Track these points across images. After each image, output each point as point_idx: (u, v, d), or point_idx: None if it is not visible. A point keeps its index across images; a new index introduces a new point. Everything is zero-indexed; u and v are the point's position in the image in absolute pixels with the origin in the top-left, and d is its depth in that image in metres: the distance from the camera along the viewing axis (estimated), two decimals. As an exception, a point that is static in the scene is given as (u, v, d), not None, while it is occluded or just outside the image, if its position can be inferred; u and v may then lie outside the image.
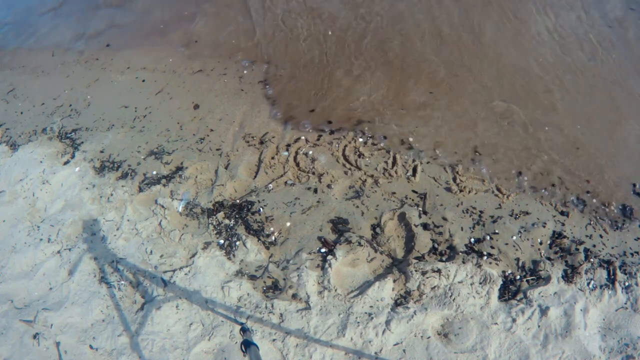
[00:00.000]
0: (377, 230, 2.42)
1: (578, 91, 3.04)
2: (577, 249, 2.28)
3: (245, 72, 3.56)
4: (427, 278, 2.16)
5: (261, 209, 2.57)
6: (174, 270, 2.34)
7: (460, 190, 2.57)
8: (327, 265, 2.25)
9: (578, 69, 3.17)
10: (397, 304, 2.12)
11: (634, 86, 3.04)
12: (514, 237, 2.34)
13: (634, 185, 2.53)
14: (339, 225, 2.45)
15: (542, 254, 2.29)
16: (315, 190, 2.64)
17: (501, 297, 2.13)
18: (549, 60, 3.24)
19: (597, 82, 3.08)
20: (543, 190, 2.44)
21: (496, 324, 2.03)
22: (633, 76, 3.10)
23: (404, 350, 1.99)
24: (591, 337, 1.99)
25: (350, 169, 2.74)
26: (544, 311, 2.04)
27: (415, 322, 2.04)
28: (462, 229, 2.39)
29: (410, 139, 2.86)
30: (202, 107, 3.32)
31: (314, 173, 2.73)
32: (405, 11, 3.74)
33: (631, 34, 3.36)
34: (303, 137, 2.95)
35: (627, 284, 2.17)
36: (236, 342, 2.05)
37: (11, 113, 3.77)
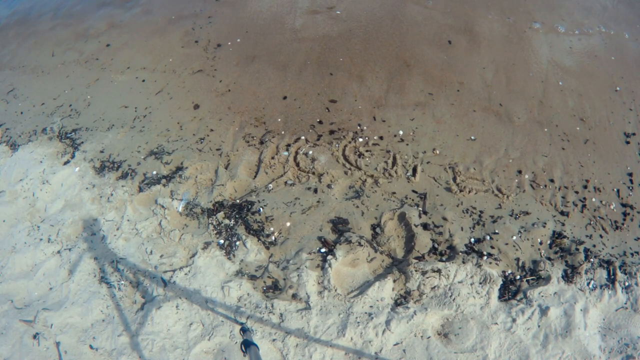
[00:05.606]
0: (377, 230, 2.42)
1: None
2: (577, 249, 2.28)
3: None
4: (427, 278, 2.16)
5: (261, 209, 2.57)
6: (174, 270, 2.34)
7: (460, 190, 2.57)
8: (327, 265, 2.24)
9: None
10: (397, 304, 2.12)
11: None
12: (514, 237, 2.34)
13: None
14: (339, 225, 2.45)
15: (542, 254, 2.29)
16: (315, 190, 2.63)
17: (501, 297, 2.13)
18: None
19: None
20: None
21: (496, 324, 2.03)
22: None
23: (404, 350, 1.99)
24: (591, 337, 1.99)
25: (350, 169, 2.73)
26: (544, 311, 2.04)
27: (415, 322, 2.04)
28: (462, 229, 2.39)
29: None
30: (202, 107, 3.32)
31: (314, 173, 2.73)
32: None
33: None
34: (303, 137, 2.95)
35: (627, 284, 2.17)
36: (236, 342, 2.05)
37: (11, 113, 3.77)
